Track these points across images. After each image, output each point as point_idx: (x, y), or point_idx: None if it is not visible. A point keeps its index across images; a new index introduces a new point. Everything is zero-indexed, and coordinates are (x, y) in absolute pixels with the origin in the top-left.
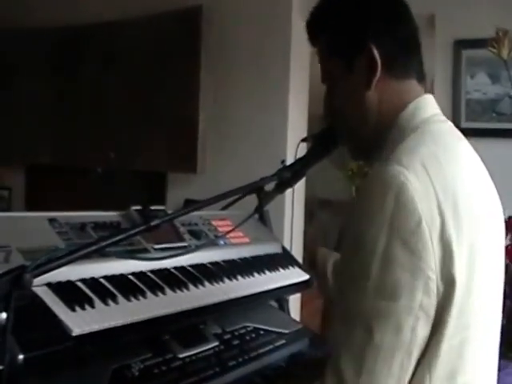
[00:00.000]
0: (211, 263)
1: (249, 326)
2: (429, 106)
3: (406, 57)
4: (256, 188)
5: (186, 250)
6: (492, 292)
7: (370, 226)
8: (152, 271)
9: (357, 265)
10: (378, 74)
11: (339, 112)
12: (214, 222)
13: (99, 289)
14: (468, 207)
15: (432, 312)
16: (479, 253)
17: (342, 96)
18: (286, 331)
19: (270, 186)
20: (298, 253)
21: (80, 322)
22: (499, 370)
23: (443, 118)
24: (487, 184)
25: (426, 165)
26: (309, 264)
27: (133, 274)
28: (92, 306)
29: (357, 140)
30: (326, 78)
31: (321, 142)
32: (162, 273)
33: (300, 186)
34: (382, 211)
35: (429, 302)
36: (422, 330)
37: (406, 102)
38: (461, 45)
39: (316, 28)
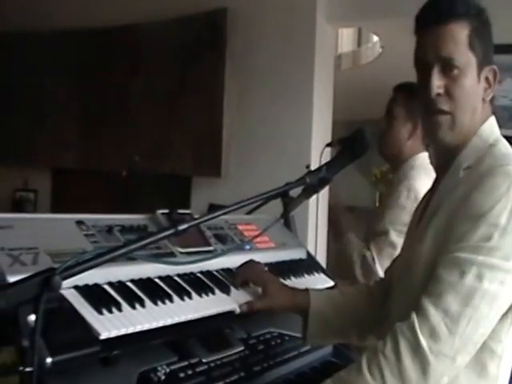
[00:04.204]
0: (238, 268)
1: (274, 332)
2: (497, 129)
3: None
4: (282, 193)
5: (213, 255)
6: None
7: (495, 204)
8: (178, 275)
9: (480, 230)
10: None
11: (459, 104)
12: (239, 227)
13: (126, 292)
14: None
15: None
16: None
17: (466, 90)
18: None
19: (294, 191)
20: (322, 258)
21: (107, 326)
22: None
23: None
24: None
25: None
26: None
27: (159, 277)
28: (119, 309)
29: (455, 134)
30: (451, 60)
31: (350, 146)
32: (189, 277)
33: (324, 191)
34: (508, 194)
35: None
36: None
37: (486, 116)
38: None
39: (462, 6)
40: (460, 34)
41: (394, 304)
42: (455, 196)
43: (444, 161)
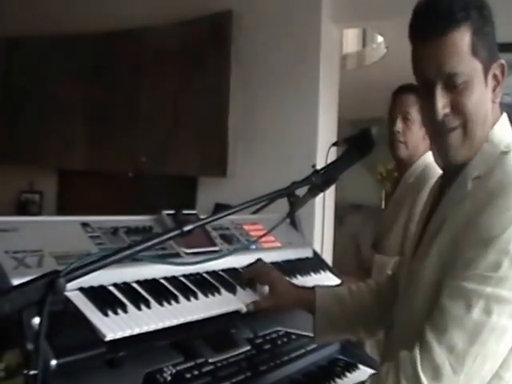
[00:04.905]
0: (243, 268)
1: (280, 331)
2: (509, 128)
3: None
4: (288, 192)
5: (219, 255)
6: None
7: (505, 229)
8: (184, 275)
9: (488, 258)
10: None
11: (469, 117)
12: (245, 227)
13: (132, 293)
14: None
15: None
16: None
17: (475, 101)
18: None
19: (300, 191)
20: (328, 257)
21: (113, 327)
22: None
23: None
24: None
25: None
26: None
27: (165, 278)
28: (125, 310)
29: (466, 149)
30: (455, 75)
31: (356, 145)
32: (194, 277)
33: (330, 190)
34: None
35: None
36: None
37: (496, 118)
38: None
39: (462, 11)
40: (462, 42)
41: (398, 314)
42: (462, 211)
43: (452, 169)
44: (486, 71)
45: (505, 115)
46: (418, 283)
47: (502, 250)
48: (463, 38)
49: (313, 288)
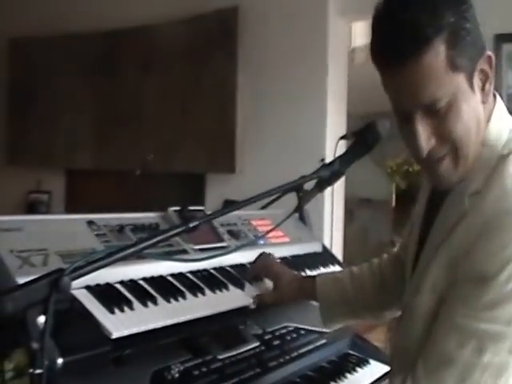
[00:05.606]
0: (251, 263)
1: (289, 326)
2: (507, 116)
3: None
4: (295, 187)
5: (226, 251)
6: None
7: (503, 268)
8: (191, 272)
9: (485, 297)
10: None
11: (459, 141)
12: (253, 222)
13: (138, 291)
14: None
15: None
16: None
17: (463, 121)
18: (327, 330)
19: (309, 185)
20: (338, 251)
21: (119, 325)
22: None
23: None
24: None
25: None
26: None
27: (172, 275)
28: (131, 308)
29: (460, 168)
30: (434, 104)
31: (362, 138)
32: (202, 274)
33: (339, 184)
34: None
35: None
36: None
37: (488, 115)
38: (501, 39)
39: (431, 25)
40: (437, 61)
41: (397, 337)
42: (457, 237)
43: None
44: (470, 77)
45: (499, 102)
46: (412, 314)
47: (499, 291)
48: (438, 56)
49: (313, 277)
